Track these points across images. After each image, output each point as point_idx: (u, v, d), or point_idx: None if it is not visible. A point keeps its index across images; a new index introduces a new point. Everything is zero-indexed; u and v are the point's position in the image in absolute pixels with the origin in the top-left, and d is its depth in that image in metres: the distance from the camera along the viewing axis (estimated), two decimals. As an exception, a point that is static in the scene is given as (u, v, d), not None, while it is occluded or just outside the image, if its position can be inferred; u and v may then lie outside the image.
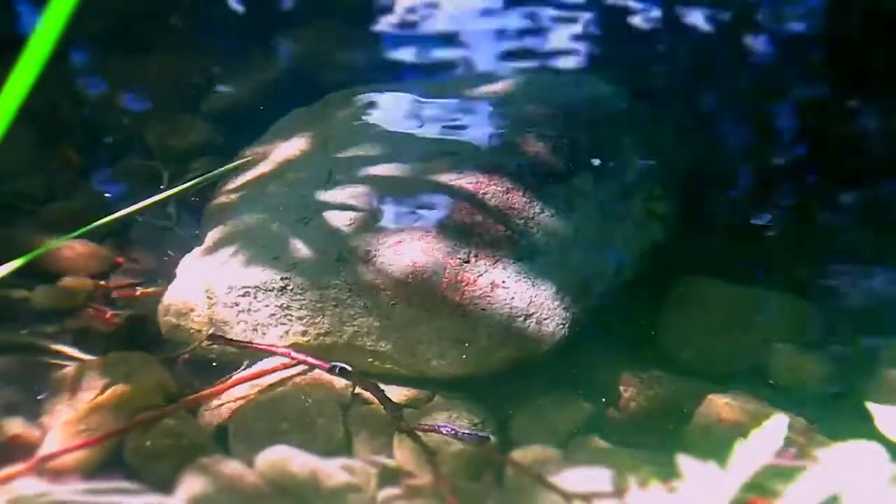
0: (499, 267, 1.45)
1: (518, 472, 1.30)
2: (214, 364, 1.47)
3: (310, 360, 1.42)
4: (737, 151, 1.97)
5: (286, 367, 1.43)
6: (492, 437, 1.35)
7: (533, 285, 1.45)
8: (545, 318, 1.44)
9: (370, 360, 1.44)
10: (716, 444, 1.33)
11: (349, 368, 1.41)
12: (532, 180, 1.54)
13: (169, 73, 2.11)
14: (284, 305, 1.45)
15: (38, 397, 1.40)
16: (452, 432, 1.33)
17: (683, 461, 0.93)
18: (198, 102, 2.02)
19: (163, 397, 1.40)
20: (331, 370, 1.41)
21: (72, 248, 1.65)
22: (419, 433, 1.33)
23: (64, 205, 1.77)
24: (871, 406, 1.02)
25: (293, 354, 1.43)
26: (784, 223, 1.79)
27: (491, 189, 1.51)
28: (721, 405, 1.39)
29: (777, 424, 0.95)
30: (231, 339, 1.45)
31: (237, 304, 1.46)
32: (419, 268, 1.42)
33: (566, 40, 2.21)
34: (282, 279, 1.45)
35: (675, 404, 1.42)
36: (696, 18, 2.30)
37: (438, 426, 1.34)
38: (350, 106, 1.74)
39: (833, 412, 1.41)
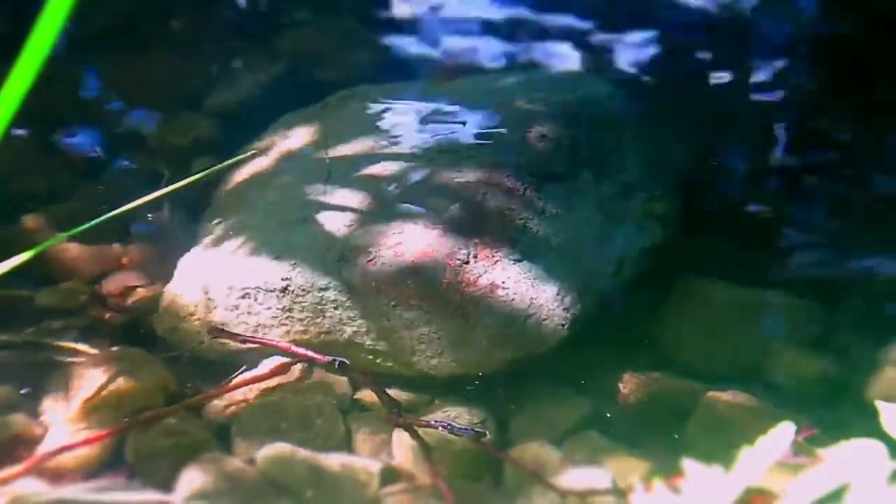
0: (499, 267, 1.45)
1: (516, 471, 1.30)
2: (215, 363, 1.47)
3: (310, 353, 1.43)
4: (737, 151, 1.97)
5: (286, 367, 1.43)
6: (487, 433, 1.35)
7: (533, 285, 1.45)
8: (545, 319, 1.44)
9: (371, 359, 1.44)
10: (716, 444, 1.34)
11: (348, 363, 1.41)
12: (532, 180, 1.54)
13: (169, 72, 2.11)
14: (286, 307, 1.45)
15: (39, 396, 1.40)
16: (448, 427, 1.33)
17: (688, 463, 0.94)
18: (198, 101, 2.02)
19: (164, 397, 1.40)
20: (330, 364, 1.41)
21: (72, 247, 1.65)
22: (416, 428, 1.33)
23: (64, 204, 1.77)
24: (878, 403, 1.02)
25: (293, 349, 1.43)
26: (784, 223, 1.79)
27: (491, 189, 1.51)
28: (721, 405, 1.39)
29: (784, 430, 0.96)
30: (232, 333, 1.45)
31: (237, 307, 1.46)
32: (419, 268, 1.42)
33: (567, 40, 2.21)
34: (283, 279, 1.45)
35: (674, 404, 1.42)
36: (696, 18, 2.30)
37: (434, 421, 1.34)
38: (350, 105, 1.74)
39: (833, 412, 1.41)
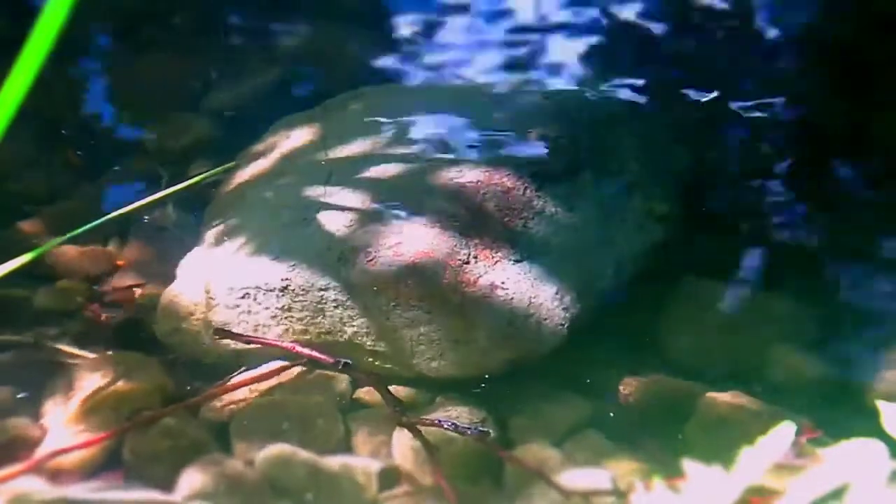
0: (499, 267, 1.45)
1: (518, 471, 1.30)
2: (214, 365, 1.47)
3: (314, 353, 1.42)
4: (737, 151, 1.97)
5: (286, 368, 1.43)
6: (492, 433, 1.35)
7: (533, 286, 1.45)
8: (545, 319, 1.44)
9: (370, 360, 1.44)
10: (715, 444, 1.34)
11: (352, 363, 1.41)
12: (532, 180, 1.54)
13: (169, 73, 2.11)
14: (285, 306, 1.45)
15: (38, 398, 1.40)
16: (452, 426, 1.33)
17: (688, 463, 0.94)
18: (198, 102, 2.02)
19: (162, 398, 1.40)
20: (335, 364, 1.41)
21: (71, 248, 1.64)
22: (420, 427, 1.33)
23: (64, 205, 1.77)
24: (879, 403, 1.02)
25: (298, 349, 1.43)
26: (785, 223, 1.79)
27: (491, 189, 1.51)
28: (721, 405, 1.39)
29: (784, 430, 0.95)
30: (237, 334, 1.45)
31: (238, 306, 1.46)
32: (419, 268, 1.42)
33: (567, 41, 2.21)
34: (282, 280, 1.45)
35: (674, 404, 1.42)
36: (696, 18, 2.30)
37: (438, 420, 1.34)
38: (350, 106, 1.74)
39: (833, 412, 1.41)
